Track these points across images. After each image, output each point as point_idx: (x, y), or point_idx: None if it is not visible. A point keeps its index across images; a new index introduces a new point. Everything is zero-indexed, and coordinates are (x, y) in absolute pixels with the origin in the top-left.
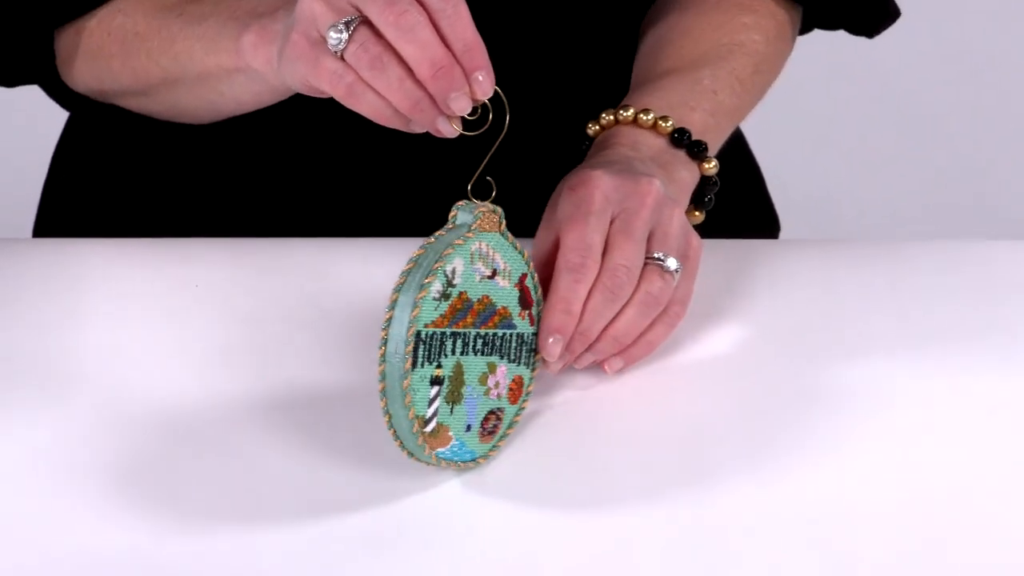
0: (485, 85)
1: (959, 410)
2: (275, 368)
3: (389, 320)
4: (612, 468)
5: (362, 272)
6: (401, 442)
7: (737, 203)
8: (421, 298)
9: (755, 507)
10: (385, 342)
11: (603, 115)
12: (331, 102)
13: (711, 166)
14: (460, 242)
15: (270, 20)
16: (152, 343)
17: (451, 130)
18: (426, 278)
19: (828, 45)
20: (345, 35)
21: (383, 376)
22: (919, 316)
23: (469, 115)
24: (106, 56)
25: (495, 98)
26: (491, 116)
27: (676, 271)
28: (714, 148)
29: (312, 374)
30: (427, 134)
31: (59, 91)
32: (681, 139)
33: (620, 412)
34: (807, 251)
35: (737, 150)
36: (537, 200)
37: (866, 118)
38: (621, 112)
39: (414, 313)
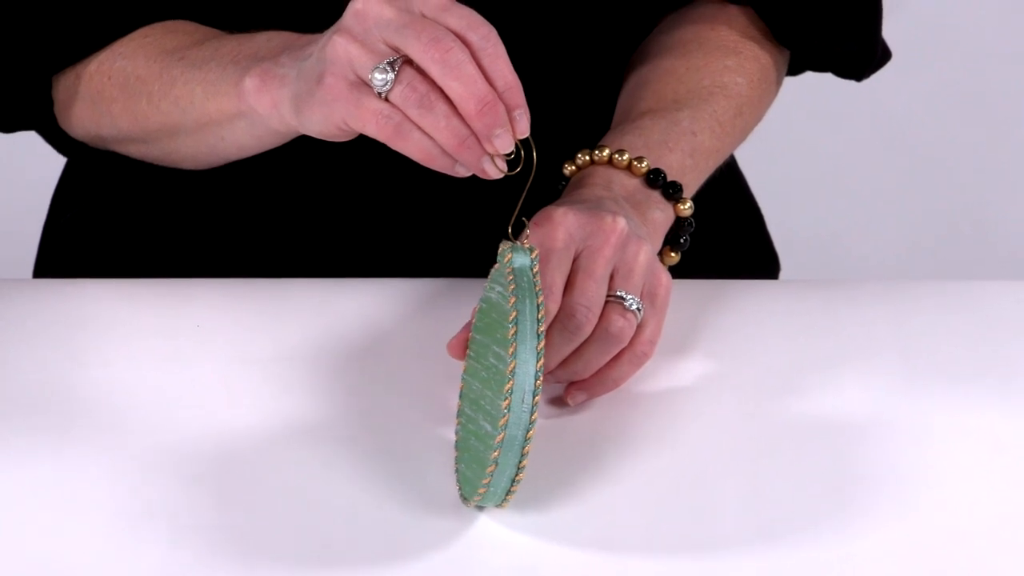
0: (523, 123)
1: (961, 449)
2: (277, 409)
3: (512, 371)
4: (615, 508)
5: (364, 313)
6: (485, 491)
7: (736, 243)
8: (542, 348)
9: (757, 550)
10: (510, 393)
11: (579, 155)
12: (334, 144)
13: (686, 207)
14: (540, 287)
15: (272, 64)
16: (153, 384)
17: (496, 171)
18: (539, 327)
19: (828, 85)
20: (391, 75)
21: (504, 427)
22: (920, 356)
23: (507, 155)
24: (107, 100)
25: (524, 139)
26: (523, 155)
27: (638, 310)
28: (691, 189)
29: (315, 415)
30: (428, 174)
31: (56, 137)
32: (656, 180)
33: (621, 448)
34: (807, 291)
35: (736, 190)
36: None
37: (866, 158)
38: (596, 152)
39: (539, 364)
